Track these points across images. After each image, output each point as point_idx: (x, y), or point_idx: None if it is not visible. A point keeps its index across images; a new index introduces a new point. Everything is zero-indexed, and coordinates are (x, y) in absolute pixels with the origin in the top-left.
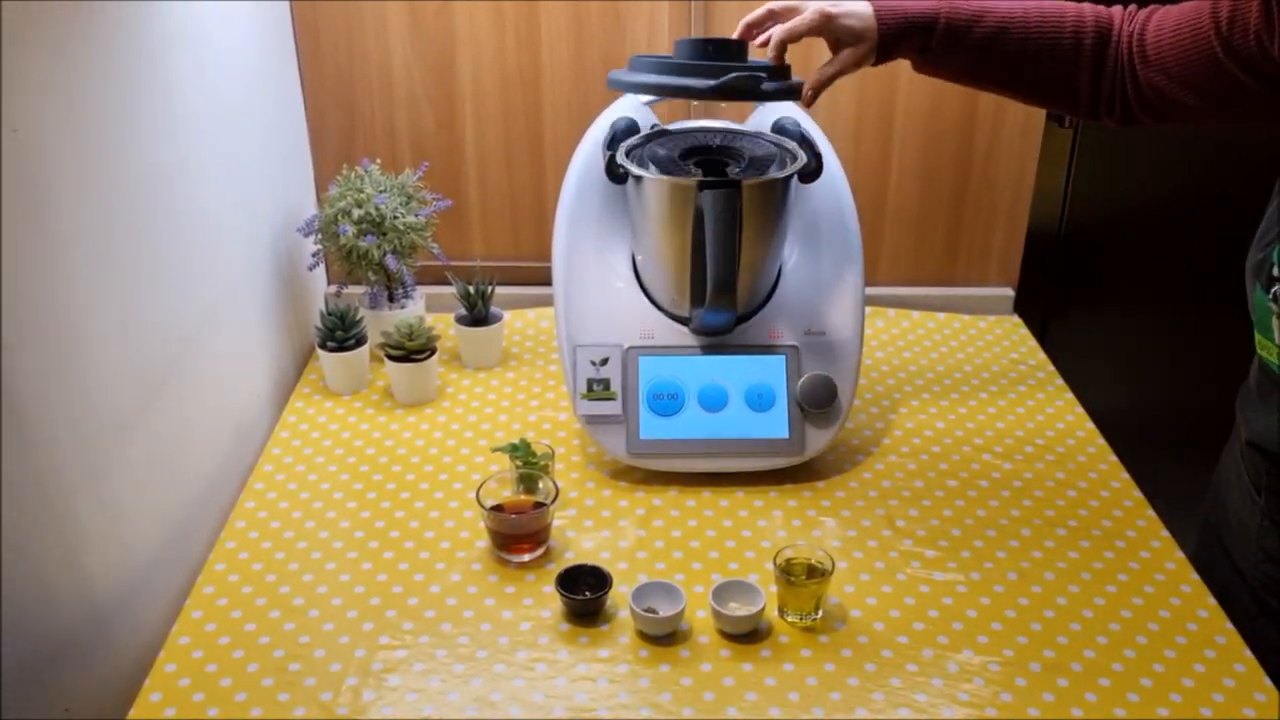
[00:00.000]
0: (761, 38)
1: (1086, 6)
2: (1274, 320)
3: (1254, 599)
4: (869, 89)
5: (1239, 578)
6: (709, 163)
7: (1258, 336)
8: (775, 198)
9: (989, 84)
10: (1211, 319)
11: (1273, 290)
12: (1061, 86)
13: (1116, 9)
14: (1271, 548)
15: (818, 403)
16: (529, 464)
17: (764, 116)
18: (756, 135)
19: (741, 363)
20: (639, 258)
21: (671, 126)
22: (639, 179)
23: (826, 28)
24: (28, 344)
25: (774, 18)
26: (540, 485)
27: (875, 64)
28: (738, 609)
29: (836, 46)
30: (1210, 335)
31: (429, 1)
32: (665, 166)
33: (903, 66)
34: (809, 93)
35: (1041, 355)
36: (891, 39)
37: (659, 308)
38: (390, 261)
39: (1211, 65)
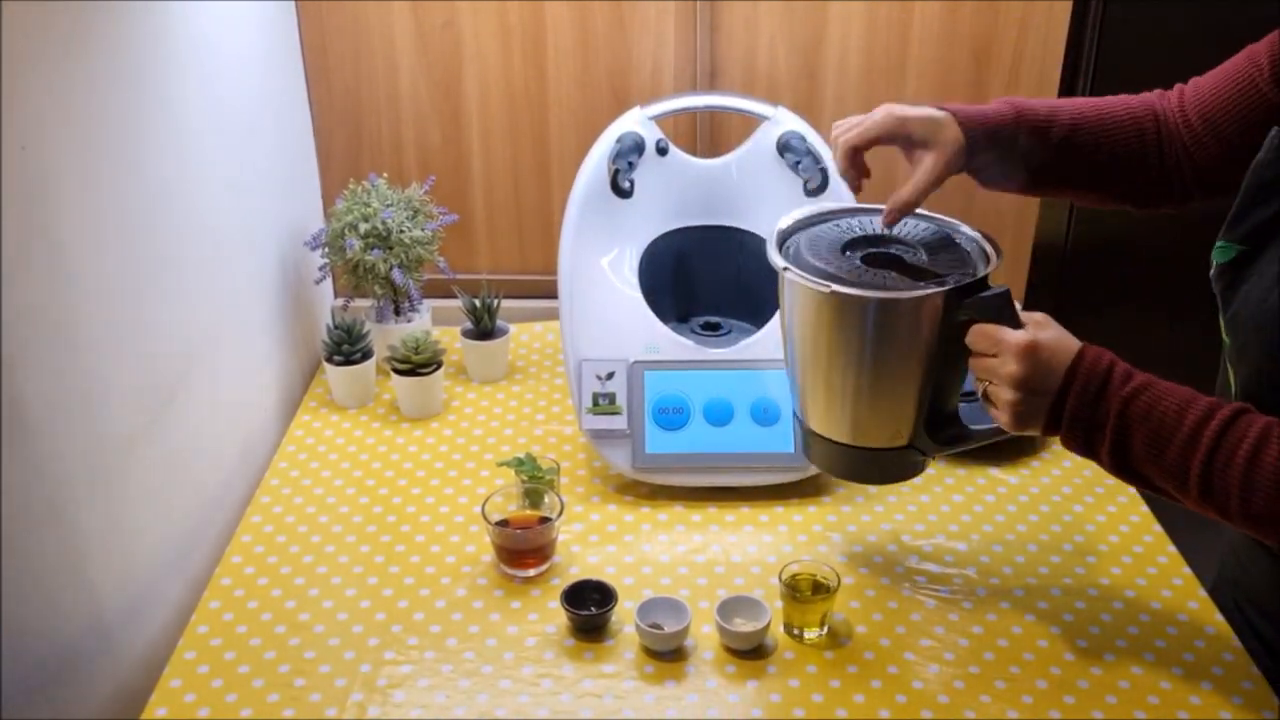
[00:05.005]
0: (840, 151)
1: (1137, 96)
2: None
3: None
4: (874, 103)
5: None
6: (877, 256)
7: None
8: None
9: (1060, 186)
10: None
11: None
12: (1133, 177)
13: (1151, 94)
14: None
15: None
16: (534, 478)
17: (767, 132)
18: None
19: (747, 377)
20: (797, 371)
21: (815, 212)
22: (881, 301)
23: (900, 131)
24: (35, 358)
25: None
26: (545, 500)
27: (960, 171)
28: (743, 625)
29: (912, 153)
30: (1218, 346)
31: (435, 18)
32: (830, 262)
33: (907, 77)
34: (894, 214)
35: None
36: (977, 141)
37: (664, 322)
38: (397, 275)
39: (1264, 111)
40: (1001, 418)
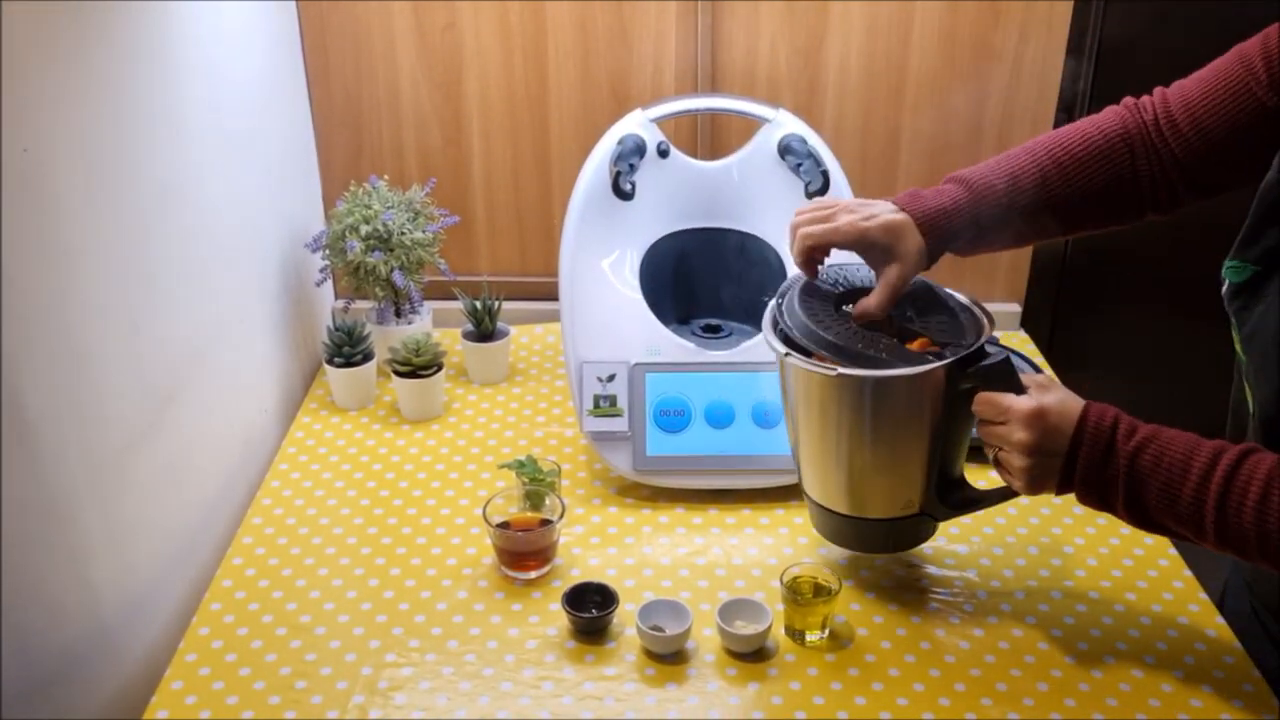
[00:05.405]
0: (797, 248)
1: (1099, 119)
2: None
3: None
4: (874, 105)
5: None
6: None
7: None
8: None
9: (1040, 238)
10: (1222, 333)
11: None
12: (1111, 206)
13: (1119, 108)
14: None
15: None
16: (535, 480)
17: (768, 135)
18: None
19: (748, 379)
20: (802, 449)
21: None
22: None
23: (861, 242)
24: (36, 360)
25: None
26: (547, 502)
27: (928, 269)
28: (744, 627)
29: (873, 261)
30: (1221, 350)
31: (436, 19)
32: (828, 326)
33: (908, 79)
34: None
35: (1048, 371)
36: (940, 238)
37: (665, 324)
38: (397, 277)
39: (1258, 115)
40: (1016, 483)
